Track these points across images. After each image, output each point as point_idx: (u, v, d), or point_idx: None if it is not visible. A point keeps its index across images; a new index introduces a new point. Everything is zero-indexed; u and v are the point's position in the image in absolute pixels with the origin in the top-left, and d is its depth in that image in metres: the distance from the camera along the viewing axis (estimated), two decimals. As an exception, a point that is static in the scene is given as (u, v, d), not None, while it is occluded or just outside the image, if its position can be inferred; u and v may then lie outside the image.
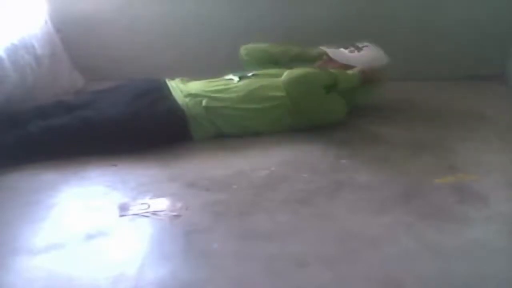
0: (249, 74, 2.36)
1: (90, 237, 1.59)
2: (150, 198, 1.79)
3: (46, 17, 2.62)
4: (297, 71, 2.19)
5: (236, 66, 2.50)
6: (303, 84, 2.18)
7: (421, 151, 2.14)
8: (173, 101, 2.21)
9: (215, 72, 2.45)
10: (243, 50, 2.56)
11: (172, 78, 2.38)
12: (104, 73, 2.78)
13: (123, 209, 1.73)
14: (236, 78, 2.33)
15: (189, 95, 2.23)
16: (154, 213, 1.71)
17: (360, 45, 2.42)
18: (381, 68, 2.38)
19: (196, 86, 2.30)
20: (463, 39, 2.87)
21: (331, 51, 2.40)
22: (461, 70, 2.92)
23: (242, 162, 2.03)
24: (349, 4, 2.79)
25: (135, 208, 1.73)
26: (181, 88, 2.28)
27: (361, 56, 2.39)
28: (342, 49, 2.40)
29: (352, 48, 2.40)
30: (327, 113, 2.26)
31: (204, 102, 2.20)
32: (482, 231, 1.65)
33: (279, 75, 2.37)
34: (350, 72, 2.31)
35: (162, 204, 1.76)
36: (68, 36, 2.76)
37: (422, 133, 2.29)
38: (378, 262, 1.50)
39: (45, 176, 1.91)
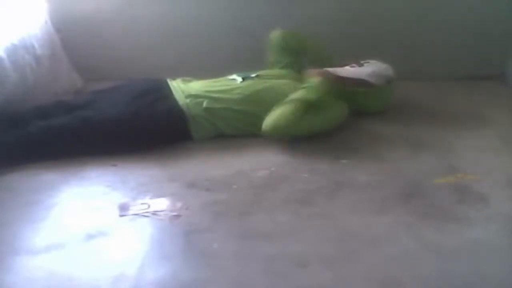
0: (253, 75, 2.35)
1: (90, 237, 1.60)
2: (150, 198, 1.79)
3: (46, 17, 2.62)
4: (270, 124, 2.10)
5: (236, 66, 2.49)
6: (281, 132, 2.12)
7: (421, 151, 2.14)
8: (174, 101, 2.21)
9: (215, 72, 2.44)
10: (280, 34, 2.52)
11: (174, 78, 2.38)
12: (104, 73, 2.78)
13: (123, 209, 1.73)
14: (239, 79, 2.33)
15: (190, 95, 2.23)
16: (154, 213, 1.71)
17: (362, 62, 2.43)
18: (386, 80, 2.41)
19: (197, 86, 2.30)
20: (463, 39, 2.87)
21: (332, 70, 2.39)
22: (461, 70, 2.91)
23: (242, 162, 2.03)
24: (349, 5, 2.79)
25: (135, 208, 1.73)
26: (182, 89, 2.28)
27: (361, 70, 2.40)
28: (346, 67, 2.42)
29: (353, 64, 2.42)
30: (326, 125, 2.23)
31: (205, 103, 2.20)
32: (482, 231, 1.65)
33: (282, 76, 2.38)
34: (309, 84, 2.24)
35: (162, 204, 1.76)
36: (68, 36, 2.76)
37: (422, 133, 2.29)
38: (378, 262, 1.50)
39: (45, 176, 1.91)
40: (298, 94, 2.19)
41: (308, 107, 2.16)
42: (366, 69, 2.40)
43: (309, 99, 2.17)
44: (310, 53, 2.55)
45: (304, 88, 2.22)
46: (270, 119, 2.12)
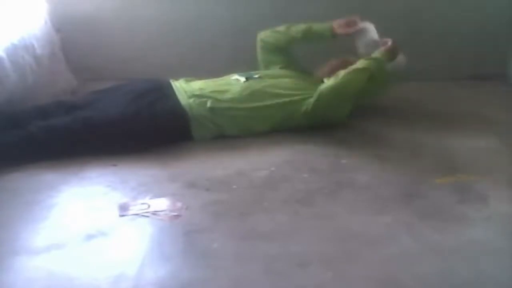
0: (256, 76, 2.35)
1: (90, 237, 1.60)
2: (150, 198, 1.79)
3: (46, 17, 2.62)
4: (340, 84, 2.16)
5: (236, 66, 2.50)
6: (338, 99, 2.19)
7: (421, 151, 2.14)
8: (175, 101, 2.21)
9: (215, 72, 2.45)
10: (259, 35, 2.54)
11: (176, 79, 2.38)
12: (104, 73, 2.78)
13: (123, 209, 1.73)
14: (242, 79, 2.32)
15: (194, 95, 2.23)
16: (154, 213, 1.71)
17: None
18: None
19: (200, 86, 2.30)
20: (463, 39, 2.87)
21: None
22: (461, 70, 2.92)
23: (242, 162, 2.03)
24: (348, 4, 2.79)
25: (135, 208, 1.73)
26: (185, 89, 2.28)
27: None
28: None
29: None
30: (333, 117, 2.26)
31: (209, 103, 2.19)
32: (482, 231, 1.65)
33: (283, 76, 2.38)
34: (376, 55, 2.25)
35: (162, 204, 1.76)
36: (68, 36, 2.76)
37: (422, 133, 2.29)
38: (378, 262, 1.50)
39: (45, 176, 1.91)
40: (366, 64, 2.20)
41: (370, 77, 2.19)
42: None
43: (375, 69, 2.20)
44: (290, 42, 2.51)
45: (372, 59, 2.22)
46: (335, 81, 2.16)
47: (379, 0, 2.82)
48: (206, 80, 2.36)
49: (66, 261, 1.50)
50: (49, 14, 2.66)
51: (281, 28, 2.49)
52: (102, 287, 1.40)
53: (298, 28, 2.45)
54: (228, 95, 2.23)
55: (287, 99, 2.23)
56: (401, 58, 2.37)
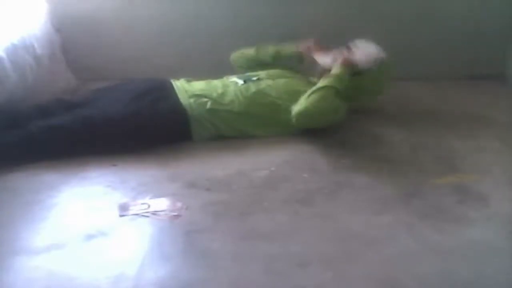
0: (254, 79, 2.34)
1: (90, 237, 1.60)
2: (150, 198, 1.79)
3: (46, 17, 2.62)
4: (308, 108, 2.11)
5: (236, 66, 2.50)
6: (315, 119, 2.16)
7: (421, 151, 2.14)
8: (176, 100, 2.21)
9: (215, 72, 2.45)
10: (231, 60, 2.59)
11: (177, 78, 2.38)
12: (104, 73, 2.78)
13: (123, 209, 1.73)
14: (240, 81, 2.32)
15: (195, 95, 2.23)
16: (154, 213, 1.71)
17: (351, 46, 2.36)
18: (377, 63, 2.33)
19: (201, 86, 2.30)
20: (463, 39, 2.87)
21: (321, 60, 2.36)
22: (461, 70, 2.92)
23: (242, 162, 2.03)
24: (348, 4, 2.79)
25: (135, 208, 1.73)
26: (186, 88, 2.28)
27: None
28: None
29: (344, 51, 2.34)
30: (330, 121, 2.25)
31: (209, 104, 2.20)
32: (482, 231, 1.65)
33: (282, 76, 2.37)
34: (334, 72, 2.23)
35: (162, 204, 1.76)
36: (68, 36, 2.76)
37: (422, 133, 2.29)
38: (378, 262, 1.50)
39: (45, 176, 1.91)
40: (327, 82, 2.17)
41: (337, 93, 2.16)
42: (359, 56, 2.32)
43: (338, 90, 2.16)
44: (263, 58, 2.53)
45: (332, 76, 2.20)
46: (301, 106, 2.12)
47: (379, 0, 2.82)
48: (206, 81, 2.36)
49: (66, 261, 1.50)
50: (49, 14, 2.66)
51: (251, 51, 2.53)
52: (102, 287, 1.40)
53: (267, 52, 2.50)
54: (227, 98, 2.23)
55: (280, 112, 2.21)
56: (370, 55, 2.31)
